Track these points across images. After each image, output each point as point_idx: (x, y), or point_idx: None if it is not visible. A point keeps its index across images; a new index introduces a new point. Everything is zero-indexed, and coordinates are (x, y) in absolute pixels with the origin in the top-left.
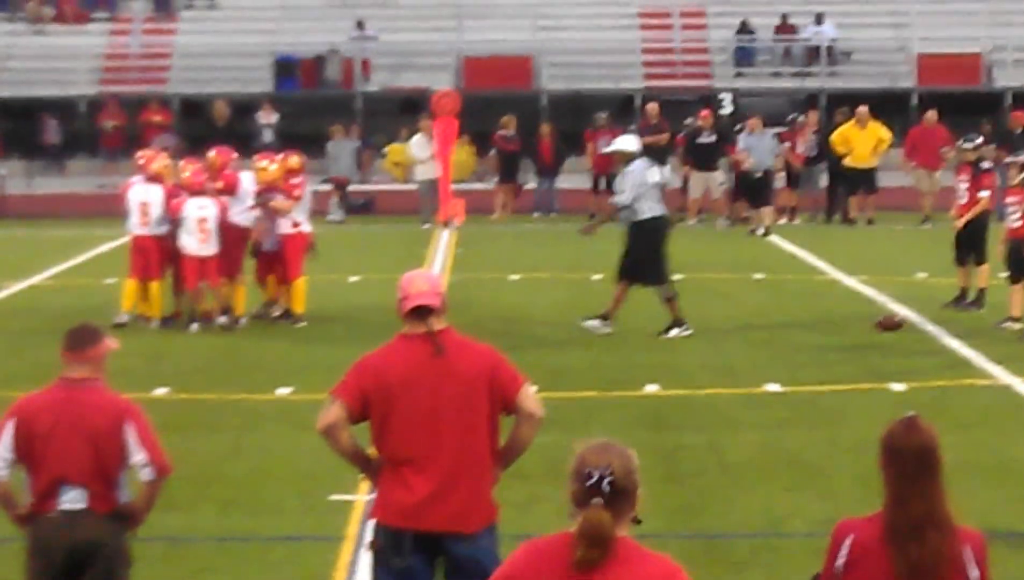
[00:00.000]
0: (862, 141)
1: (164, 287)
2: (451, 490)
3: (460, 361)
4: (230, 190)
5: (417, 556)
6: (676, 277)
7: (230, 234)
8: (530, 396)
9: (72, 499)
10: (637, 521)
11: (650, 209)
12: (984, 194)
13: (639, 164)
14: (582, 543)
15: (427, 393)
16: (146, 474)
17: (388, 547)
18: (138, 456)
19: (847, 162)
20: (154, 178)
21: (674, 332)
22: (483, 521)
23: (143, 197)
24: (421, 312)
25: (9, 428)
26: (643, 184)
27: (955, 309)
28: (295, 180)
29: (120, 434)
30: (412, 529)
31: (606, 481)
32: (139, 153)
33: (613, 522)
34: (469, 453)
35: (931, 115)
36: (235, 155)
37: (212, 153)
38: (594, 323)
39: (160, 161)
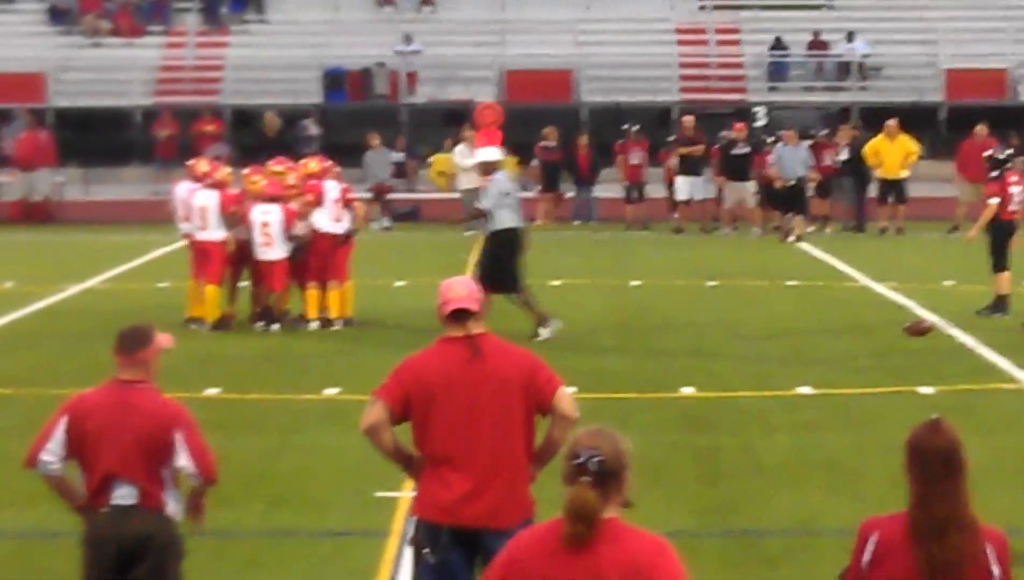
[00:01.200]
0: (892, 153)
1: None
2: (488, 487)
3: (498, 363)
4: (318, 200)
5: (455, 551)
6: (711, 283)
7: (318, 242)
8: (566, 398)
9: (123, 495)
10: (627, 504)
11: (507, 219)
12: (992, 201)
13: (502, 175)
14: (568, 519)
15: (466, 394)
16: (194, 480)
17: (427, 541)
18: (186, 463)
19: (878, 174)
20: (215, 185)
21: (544, 332)
22: (519, 517)
23: (203, 202)
24: (460, 316)
25: (62, 424)
26: (504, 194)
27: (987, 316)
28: (313, 183)
29: (169, 440)
30: (449, 524)
31: (594, 461)
32: (192, 160)
33: (600, 501)
34: (506, 452)
35: (981, 129)
36: (328, 164)
37: (311, 162)
38: (544, 331)
39: (224, 170)
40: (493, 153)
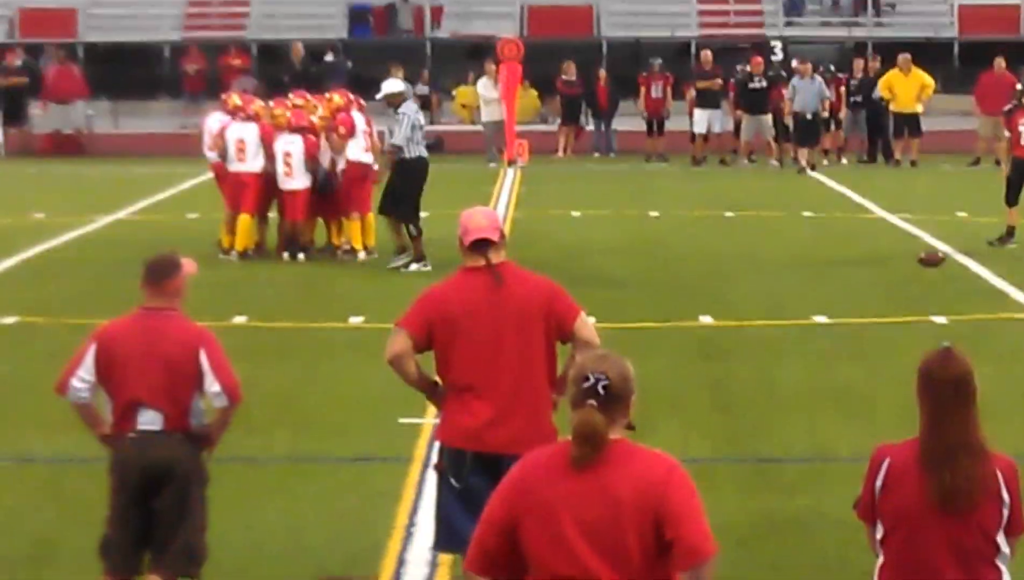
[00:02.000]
0: (905, 87)
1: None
2: (510, 414)
3: (519, 292)
4: (350, 132)
5: (478, 477)
6: (729, 214)
7: (351, 171)
8: (586, 325)
9: (148, 421)
10: (631, 427)
11: (416, 150)
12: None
13: (412, 106)
14: (576, 441)
15: (488, 322)
16: (219, 401)
17: (450, 467)
18: (212, 383)
19: (892, 107)
20: (250, 118)
21: (414, 266)
22: (542, 444)
23: (239, 134)
24: (481, 246)
25: (91, 352)
26: (416, 127)
27: (999, 246)
28: (342, 116)
29: (195, 361)
30: (473, 450)
31: (601, 385)
32: (225, 94)
33: (606, 423)
34: (528, 379)
35: (999, 63)
36: (351, 96)
37: (335, 96)
38: (409, 265)
39: (257, 103)
40: (396, 84)
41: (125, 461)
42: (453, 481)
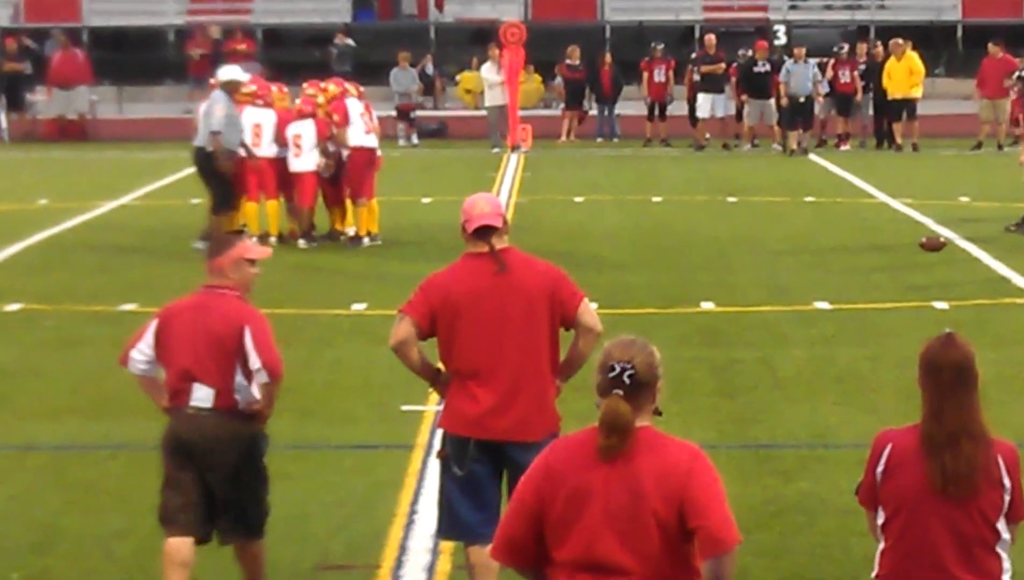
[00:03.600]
0: (898, 71)
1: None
2: (513, 401)
3: (522, 277)
4: (343, 120)
5: (481, 464)
6: (731, 199)
7: (355, 157)
8: (589, 311)
9: (200, 398)
10: (658, 413)
11: (232, 139)
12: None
13: (222, 95)
14: (602, 431)
15: (491, 308)
16: (260, 377)
17: (453, 455)
18: (254, 361)
19: (890, 92)
20: (268, 104)
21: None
22: (545, 431)
23: (256, 119)
24: (484, 232)
25: (152, 327)
26: (231, 114)
27: (1017, 232)
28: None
29: (239, 338)
30: (476, 437)
31: (627, 373)
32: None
33: (632, 412)
34: (531, 365)
35: (993, 47)
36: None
37: (330, 85)
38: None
39: (274, 90)
40: (237, 72)
41: (177, 436)
42: (455, 468)
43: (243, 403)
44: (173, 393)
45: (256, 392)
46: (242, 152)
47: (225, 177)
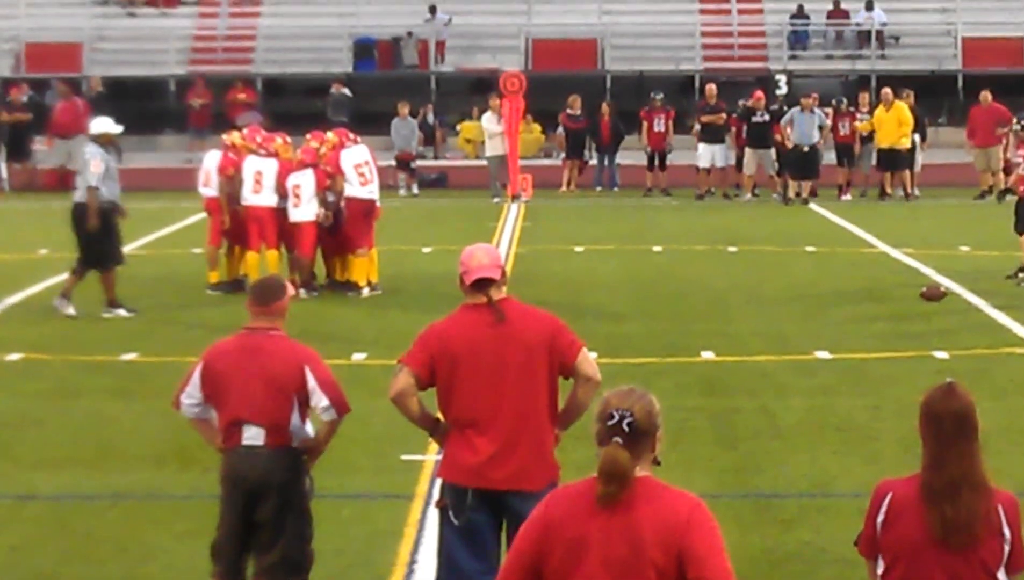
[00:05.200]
0: (887, 122)
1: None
2: (513, 450)
3: (521, 327)
4: (336, 171)
5: (481, 514)
6: (732, 249)
7: (351, 207)
8: (588, 360)
9: (252, 436)
10: (657, 462)
11: (110, 192)
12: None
13: (95, 148)
14: (601, 479)
15: (490, 358)
16: (328, 415)
17: (452, 504)
18: (320, 399)
19: (878, 142)
20: (271, 153)
21: (63, 305)
22: (545, 480)
23: (257, 168)
24: (482, 284)
25: (198, 370)
26: (109, 168)
27: (1016, 281)
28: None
29: (300, 378)
30: (475, 487)
31: (626, 422)
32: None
33: (631, 460)
34: (530, 415)
35: (985, 96)
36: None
37: (329, 135)
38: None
39: (277, 140)
40: (109, 124)
41: (232, 475)
42: (454, 518)
43: (296, 441)
44: (226, 433)
45: (310, 430)
46: (119, 203)
47: (96, 235)
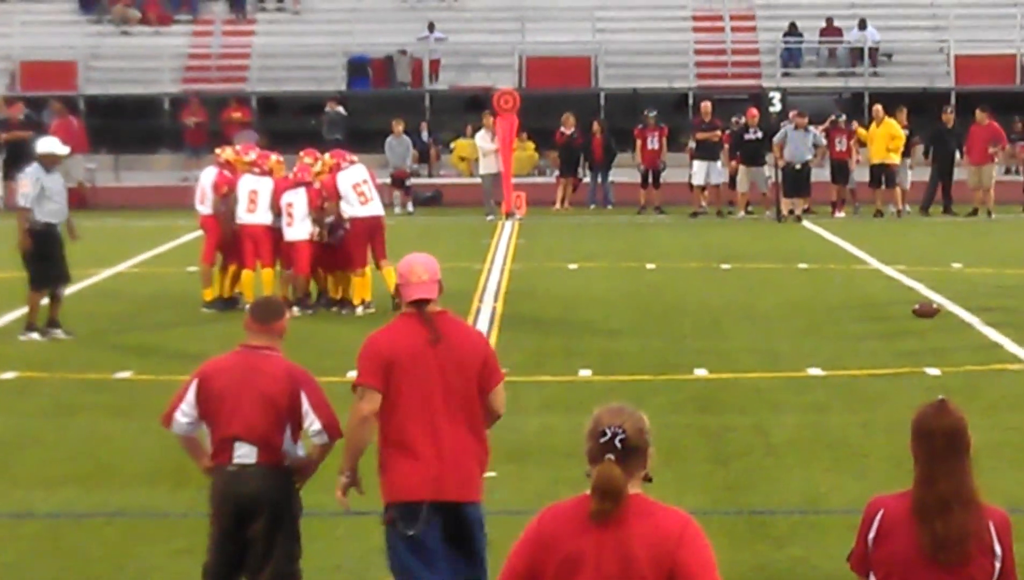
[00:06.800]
0: (877, 138)
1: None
2: (459, 461)
3: (458, 343)
4: (332, 195)
5: (433, 526)
6: (725, 266)
7: (355, 226)
8: (502, 395)
9: (244, 454)
10: (648, 479)
11: (49, 214)
12: None
13: (37, 168)
14: (595, 496)
15: (432, 370)
16: (320, 439)
17: (402, 519)
18: (313, 422)
19: (869, 158)
20: (266, 172)
21: (35, 335)
22: (481, 490)
23: (252, 186)
24: (420, 304)
25: (193, 388)
26: (46, 188)
27: None
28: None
29: (294, 400)
30: (425, 500)
31: (618, 439)
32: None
33: (624, 477)
34: (471, 427)
35: (980, 114)
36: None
37: (326, 156)
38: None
39: (272, 158)
40: (52, 144)
41: (222, 493)
42: (407, 531)
43: (288, 461)
44: (217, 450)
45: (301, 451)
46: (54, 221)
47: (30, 255)
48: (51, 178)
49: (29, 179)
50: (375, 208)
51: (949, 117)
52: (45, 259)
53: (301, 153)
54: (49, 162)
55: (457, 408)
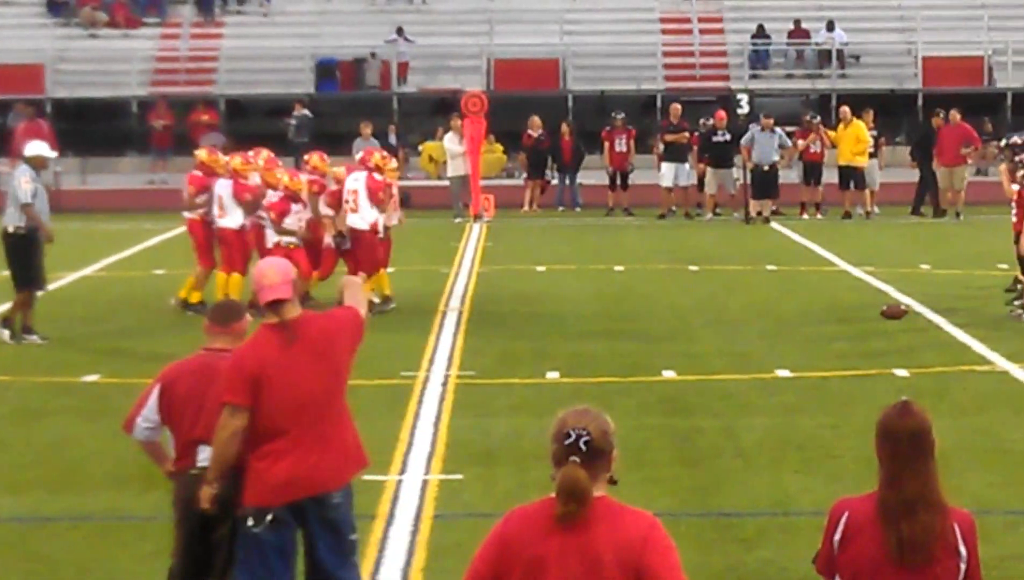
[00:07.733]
0: (845, 140)
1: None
2: (320, 460)
3: (317, 341)
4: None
5: (286, 527)
6: (693, 268)
7: (356, 236)
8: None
9: (207, 457)
10: (613, 482)
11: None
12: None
13: (27, 170)
14: (560, 498)
15: (293, 376)
16: None
17: (260, 521)
18: None
19: (837, 159)
20: (236, 174)
21: (5, 334)
22: (353, 470)
23: (224, 191)
24: (275, 305)
25: (155, 393)
26: (38, 187)
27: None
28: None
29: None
30: (282, 503)
31: (583, 441)
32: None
33: (589, 479)
34: (334, 419)
35: (954, 115)
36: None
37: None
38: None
39: (235, 159)
40: (40, 148)
41: (186, 497)
42: (255, 528)
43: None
44: (180, 454)
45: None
46: (46, 223)
47: (22, 257)
48: (39, 181)
49: (27, 177)
50: (366, 218)
51: (940, 121)
52: (30, 261)
53: (305, 157)
54: (37, 165)
55: (323, 405)
